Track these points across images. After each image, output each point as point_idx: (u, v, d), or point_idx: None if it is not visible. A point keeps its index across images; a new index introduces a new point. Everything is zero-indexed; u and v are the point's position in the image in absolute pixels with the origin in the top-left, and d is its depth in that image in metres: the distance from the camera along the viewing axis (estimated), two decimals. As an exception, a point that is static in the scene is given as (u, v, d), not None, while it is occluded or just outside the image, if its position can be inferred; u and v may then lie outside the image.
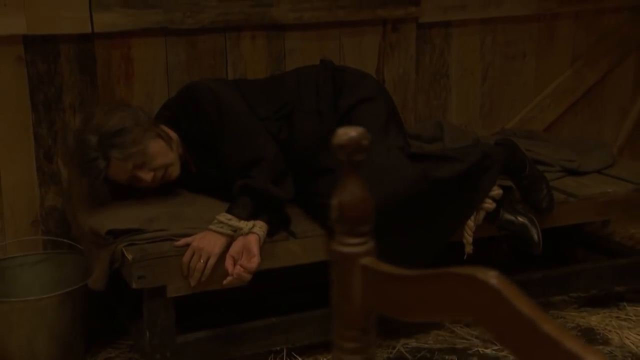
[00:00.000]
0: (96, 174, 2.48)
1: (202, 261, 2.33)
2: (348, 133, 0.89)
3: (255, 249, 2.34)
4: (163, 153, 2.54)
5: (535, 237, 2.66)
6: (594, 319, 2.95)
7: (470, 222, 2.61)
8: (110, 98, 2.85)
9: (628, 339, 2.81)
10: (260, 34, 3.03)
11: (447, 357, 2.68)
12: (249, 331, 2.54)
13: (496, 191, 2.62)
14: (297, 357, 2.61)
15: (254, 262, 2.33)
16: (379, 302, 0.89)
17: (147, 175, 2.52)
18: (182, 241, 2.38)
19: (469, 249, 2.62)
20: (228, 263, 2.34)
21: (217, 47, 2.99)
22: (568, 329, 2.85)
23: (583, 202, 2.84)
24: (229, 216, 2.39)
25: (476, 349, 2.73)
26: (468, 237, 2.62)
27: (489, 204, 2.61)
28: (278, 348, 2.61)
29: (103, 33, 2.80)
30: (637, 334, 2.83)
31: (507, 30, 3.44)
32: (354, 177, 0.92)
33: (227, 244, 2.37)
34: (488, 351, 2.71)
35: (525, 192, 2.74)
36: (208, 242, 2.35)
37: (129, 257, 2.31)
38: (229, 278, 2.34)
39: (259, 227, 2.39)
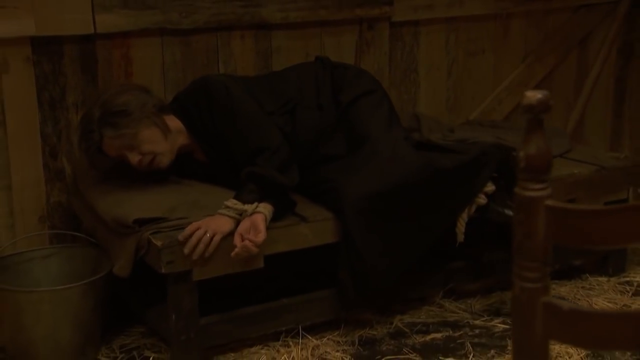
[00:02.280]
0: (90, 145, 2.66)
1: (208, 235, 2.46)
2: (536, 95, 1.09)
3: (261, 226, 2.50)
4: (154, 141, 2.67)
5: None
6: (563, 289, 3.23)
7: (464, 214, 2.85)
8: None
9: (597, 305, 3.10)
10: (248, 33, 3.19)
11: (441, 329, 2.90)
12: (263, 312, 2.70)
13: (489, 187, 2.87)
14: (307, 335, 2.78)
15: (260, 237, 2.49)
16: (566, 236, 1.09)
17: (134, 158, 2.66)
18: (192, 225, 2.50)
19: (461, 237, 2.86)
20: (237, 239, 2.49)
21: (209, 46, 3.13)
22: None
23: (555, 183, 3.05)
24: (235, 201, 2.55)
25: (466, 321, 2.96)
26: (461, 227, 2.86)
27: (482, 199, 2.86)
28: (285, 328, 2.77)
29: (104, 34, 2.90)
30: (604, 300, 3.13)
31: (468, 29, 3.71)
32: (539, 132, 1.12)
33: (235, 226, 2.53)
34: (477, 322, 2.95)
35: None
36: (216, 223, 2.50)
37: (158, 243, 2.44)
38: (237, 250, 2.48)
39: (263, 207, 2.55)
